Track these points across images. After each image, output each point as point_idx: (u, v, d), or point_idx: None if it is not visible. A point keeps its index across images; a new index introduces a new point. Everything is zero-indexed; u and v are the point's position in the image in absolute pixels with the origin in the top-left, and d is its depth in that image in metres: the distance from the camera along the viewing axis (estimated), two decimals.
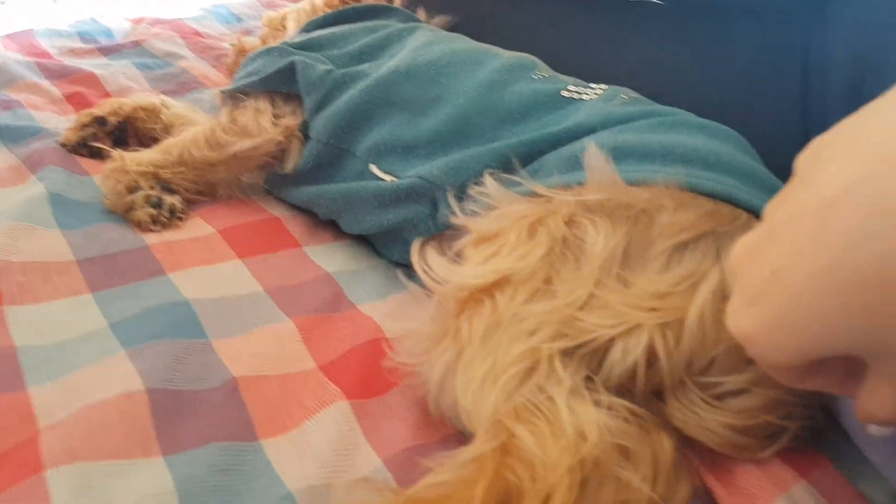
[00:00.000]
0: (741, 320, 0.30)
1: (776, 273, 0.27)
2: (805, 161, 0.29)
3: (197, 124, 0.82)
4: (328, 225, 0.75)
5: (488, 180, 0.54)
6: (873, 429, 0.31)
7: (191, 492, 0.43)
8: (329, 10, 0.89)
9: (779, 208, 0.29)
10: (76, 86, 1.04)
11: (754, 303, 0.29)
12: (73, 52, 1.18)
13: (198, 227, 0.73)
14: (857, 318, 0.25)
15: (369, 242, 0.72)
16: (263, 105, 0.75)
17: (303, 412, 0.51)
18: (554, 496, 0.36)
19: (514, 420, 0.40)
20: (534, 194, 0.51)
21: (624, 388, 0.43)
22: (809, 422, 0.44)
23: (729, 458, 0.43)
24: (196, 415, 0.49)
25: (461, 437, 0.48)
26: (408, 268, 0.58)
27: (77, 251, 0.65)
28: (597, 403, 0.40)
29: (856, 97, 0.61)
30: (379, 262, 0.70)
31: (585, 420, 0.39)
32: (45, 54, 1.16)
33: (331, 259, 0.70)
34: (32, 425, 0.47)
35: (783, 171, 0.34)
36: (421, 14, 0.89)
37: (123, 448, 0.45)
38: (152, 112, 0.88)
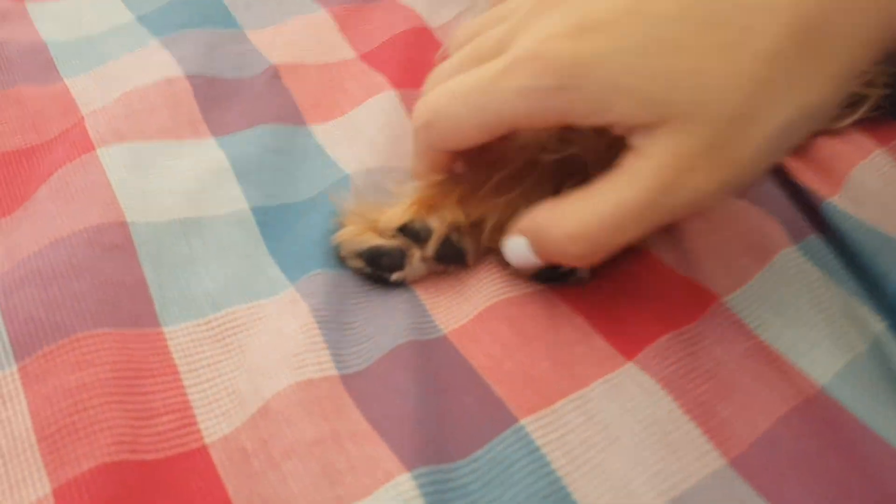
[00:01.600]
0: None
1: None
2: None
3: None
4: None
5: None
6: None
7: (246, 169, 0.42)
8: None
9: None
10: None
11: None
12: None
13: None
14: None
15: None
16: None
17: (348, 100, 0.49)
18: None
19: None
20: None
21: None
22: (891, 90, 0.41)
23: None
24: (240, 99, 0.47)
25: None
26: None
27: None
28: None
29: None
30: None
31: None
32: None
33: None
34: (76, 112, 0.45)
35: None
36: None
37: (172, 129, 0.43)
38: None
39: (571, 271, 0.37)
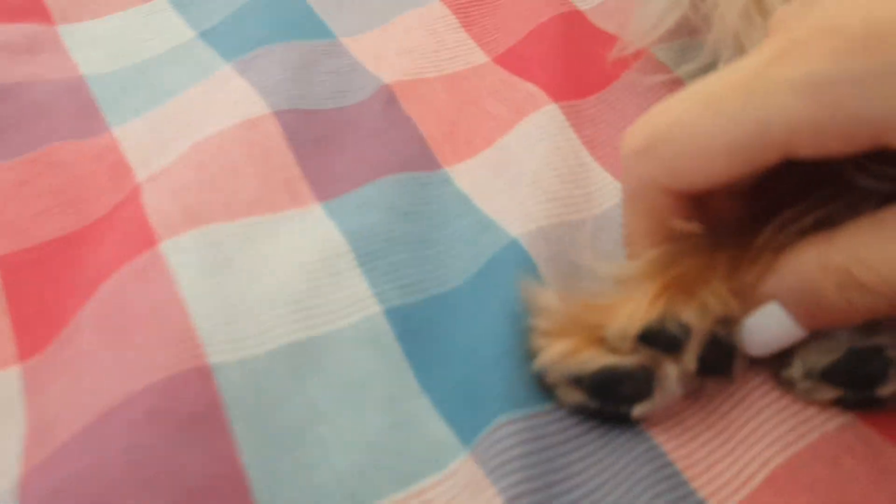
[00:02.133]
0: None
1: None
2: None
3: None
4: None
5: None
6: None
7: (370, 248, 0.29)
8: None
9: None
10: None
11: None
12: None
13: None
14: None
15: None
16: None
17: (493, 124, 0.35)
18: None
19: None
20: None
21: None
22: None
23: None
24: (349, 140, 0.34)
25: None
26: None
27: None
28: None
29: None
30: None
31: None
32: None
33: None
34: (129, 178, 0.33)
35: None
36: None
37: (262, 197, 0.31)
38: None
39: None
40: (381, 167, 0.32)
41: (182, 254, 0.28)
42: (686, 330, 0.23)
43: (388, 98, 0.36)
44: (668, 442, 0.24)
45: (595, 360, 0.23)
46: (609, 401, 0.24)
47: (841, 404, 0.24)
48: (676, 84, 0.36)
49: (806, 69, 0.19)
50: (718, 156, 0.21)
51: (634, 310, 0.24)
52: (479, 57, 0.40)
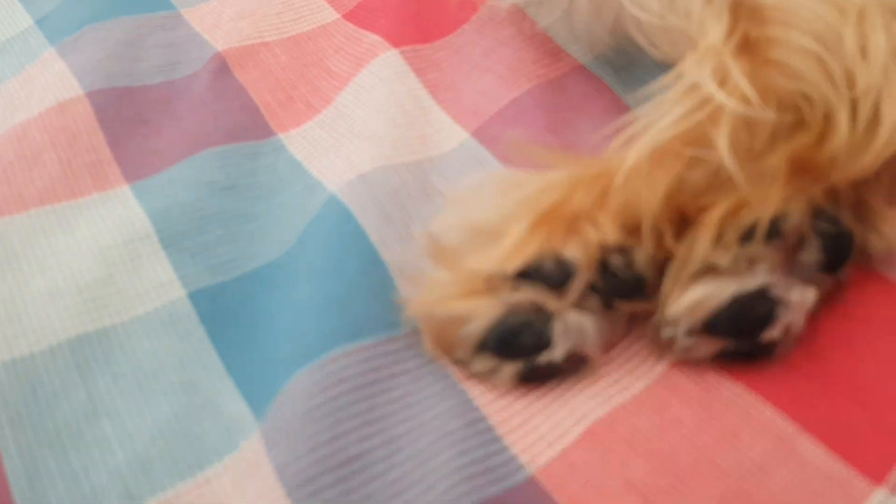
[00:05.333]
0: None
1: None
2: None
3: None
4: None
5: None
6: None
7: (178, 229, 0.27)
8: None
9: None
10: None
11: None
12: None
13: None
14: None
15: None
16: None
17: (334, 81, 0.33)
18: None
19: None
20: None
21: None
22: None
23: None
24: (172, 115, 0.32)
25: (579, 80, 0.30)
26: None
27: None
28: None
29: None
30: None
31: None
32: None
33: None
34: None
35: None
36: None
37: (62, 185, 0.28)
38: None
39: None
40: (202, 141, 0.30)
41: None
42: (567, 264, 0.21)
43: (219, 66, 0.34)
44: (482, 395, 0.22)
45: (481, 310, 0.21)
46: (514, 355, 0.22)
47: (723, 359, 0.22)
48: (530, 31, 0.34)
49: None
50: None
51: (513, 244, 0.22)
52: (329, 14, 0.37)
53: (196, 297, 0.25)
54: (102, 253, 0.26)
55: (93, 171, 0.29)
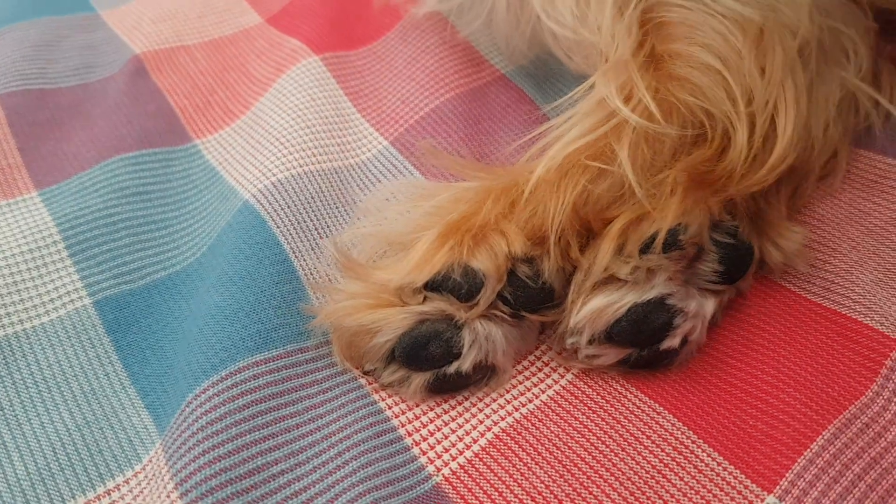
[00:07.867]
0: None
1: None
2: None
3: None
4: None
5: None
6: None
7: (86, 235, 0.26)
8: None
9: None
10: None
11: None
12: None
13: None
14: None
15: None
16: None
17: (254, 87, 0.33)
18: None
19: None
20: None
21: None
22: None
23: None
24: (86, 119, 0.31)
25: (500, 90, 0.30)
26: None
27: None
28: None
29: None
30: None
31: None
32: None
33: None
34: None
35: None
36: None
37: None
38: None
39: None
40: (116, 146, 0.29)
41: None
42: (476, 274, 0.21)
43: (135, 70, 0.33)
44: (394, 406, 0.22)
45: (391, 320, 0.21)
46: (423, 366, 0.22)
47: (625, 366, 0.22)
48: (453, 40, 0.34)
49: None
50: None
51: (420, 257, 0.22)
52: (252, 18, 0.37)
53: (102, 305, 0.24)
54: (7, 261, 0.25)
55: (1, 177, 0.28)
